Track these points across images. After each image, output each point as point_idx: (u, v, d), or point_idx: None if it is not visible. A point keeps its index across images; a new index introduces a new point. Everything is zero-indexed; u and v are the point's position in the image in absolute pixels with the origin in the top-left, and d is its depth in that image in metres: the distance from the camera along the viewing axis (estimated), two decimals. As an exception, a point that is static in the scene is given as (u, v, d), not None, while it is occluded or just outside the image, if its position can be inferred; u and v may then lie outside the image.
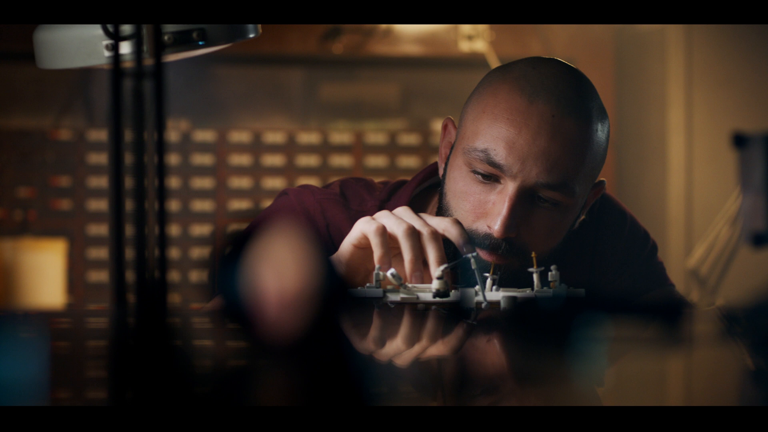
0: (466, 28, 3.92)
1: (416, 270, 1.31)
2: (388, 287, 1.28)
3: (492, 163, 1.38)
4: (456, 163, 1.43)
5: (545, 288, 1.27)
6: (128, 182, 0.70)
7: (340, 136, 3.91)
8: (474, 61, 3.88)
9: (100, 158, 3.78)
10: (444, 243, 1.34)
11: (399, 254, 1.34)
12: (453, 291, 1.26)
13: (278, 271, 0.78)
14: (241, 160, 3.86)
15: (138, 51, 0.71)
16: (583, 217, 1.49)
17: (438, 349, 1.01)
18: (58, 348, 1.07)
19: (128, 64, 0.71)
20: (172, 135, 3.81)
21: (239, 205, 3.83)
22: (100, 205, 3.78)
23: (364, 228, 1.33)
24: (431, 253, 1.31)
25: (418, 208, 1.50)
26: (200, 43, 1.25)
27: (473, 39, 3.92)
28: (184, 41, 1.24)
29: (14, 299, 3.51)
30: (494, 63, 3.75)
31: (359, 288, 1.28)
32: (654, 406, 0.74)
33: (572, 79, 1.42)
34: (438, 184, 1.50)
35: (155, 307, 0.68)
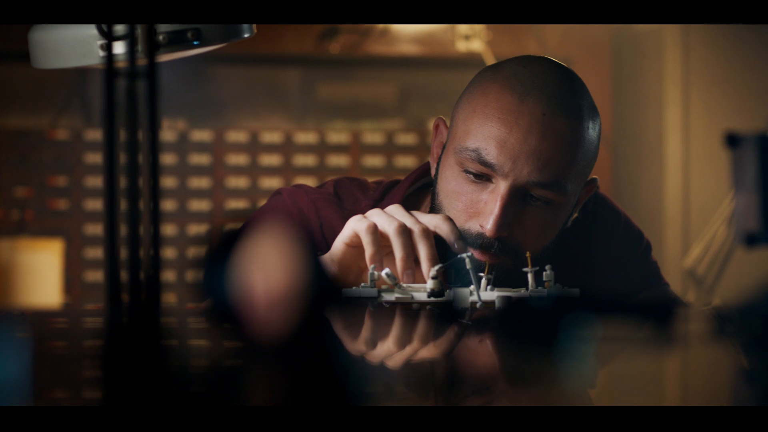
0: (463, 28, 3.92)
1: (407, 268, 1.31)
2: (383, 287, 1.28)
3: (483, 163, 1.39)
4: (448, 162, 1.44)
5: (540, 288, 1.27)
6: (123, 182, 0.70)
7: (337, 135, 3.91)
8: (471, 61, 3.88)
9: (98, 158, 3.78)
10: (436, 241, 1.34)
11: (390, 253, 1.34)
12: (447, 291, 1.26)
13: (265, 270, 0.78)
14: (238, 159, 3.86)
15: (132, 51, 0.71)
16: (575, 215, 1.50)
17: (429, 349, 1.01)
18: (46, 347, 1.07)
19: (122, 63, 0.71)
20: (169, 135, 3.81)
21: (236, 204, 3.83)
22: (97, 205, 3.77)
23: (355, 226, 1.33)
24: (422, 251, 1.31)
25: (411, 207, 1.50)
26: (195, 42, 1.25)
27: (470, 39, 3.92)
28: (179, 41, 1.25)
29: (11, 299, 3.51)
30: (491, 63, 3.74)
31: (354, 288, 1.28)
32: (644, 406, 0.75)
33: (563, 78, 1.42)
34: (431, 184, 1.50)
35: (148, 307, 0.68)
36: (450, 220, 1.35)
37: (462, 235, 1.34)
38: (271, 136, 3.88)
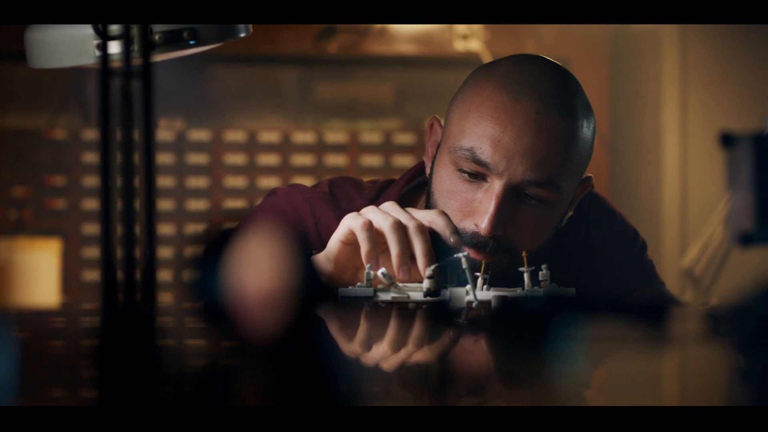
0: (461, 28, 3.92)
1: (403, 264, 1.31)
2: (379, 286, 1.28)
3: (478, 162, 1.39)
4: (442, 162, 1.44)
5: (536, 287, 1.27)
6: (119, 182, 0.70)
7: (335, 135, 3.91)
8: (469, 60, 3.88)
9: (95, 158, 3.78)
10: (432, 239, 1.34)
11: (386, 250, 1.34)
12: (443, 290, 1.26)
13: (254, 269, 0.79)
14: (236, 159, 3.86)
15: (127, 51, 0.71)
16: (570, 214, 1.50)
17: (422, 349, 1.01)
18: (43, 347, 1.07)
19: (118, 63, 0.71)
20: (167, 134, 3.81)
21: (234, 204, 3.83)
22: (95, 204, 3.77)
23: (350, 223, 1.33)
24: (418, 246, 1.31)
25: (406, 206, 1.50)
26: (191, 42, 1.25)
27: (468, 38, 3.92)
28: (175, 41, 1.25)
29: (9, 299, 3.51)
30: (489, 62, 3.74)
31: (350, 287, 1.28)
32: (637, 406, 0.75)
33: (557, 76, 1.43)
34: (426, 183, 1.50)
35: (143, 307, 0.68)
36: (444, 214, 1.34)
37: (457, 229, 1.34)
38: (269, 136, 3.88)
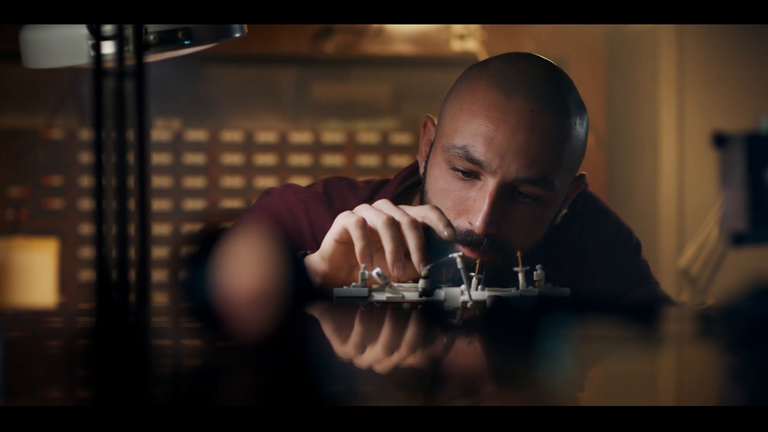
0: (457, 28, 3.92)
1: (398, 261, 1.30)
2: (374, 286, 1.28)
3: (471, 160, 1.39)
4: (436, 160, 1.44)
5: (530, 287, 1.27)
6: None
7: (332, 135, 3.91)
8: (466, 60, 3.87)
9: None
10: (427, 238, 1.33)
11: (381, 249, 1.33)
12: (438, 290, 1.26)
13: (240, 270, 0.79)
14: (233, 159, 3.86)
15: (120, 51, 0.72)
16: (564, 211, 1.50)
17: (416, 350, 1.01)
18: (40, 347, 1.07)
19: (112, 63, 0.71)
20: (164, 134, 3.81)
21: (231, 204, 3.83)
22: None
23: (344, 222, 1.33)
24: (411, 241, 1.30)
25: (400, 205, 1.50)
26: (186, 42, 1.25)
27: (465, 38, 3.93)
28: (169, 41, 1.25)
29: (6, 298, 3.51)
30: (486, 63, 3.74)
31: (344, 287, 1.27)
32: (631, 406, 0.75)
33: (549, 74, 1.43)
34: (420, 182, 1.50)
35: (137, 307, 0.68)
36: (437, 208, 1.34)
37: (450, 223, 1.33)
38: (266, 136, 3.88)
